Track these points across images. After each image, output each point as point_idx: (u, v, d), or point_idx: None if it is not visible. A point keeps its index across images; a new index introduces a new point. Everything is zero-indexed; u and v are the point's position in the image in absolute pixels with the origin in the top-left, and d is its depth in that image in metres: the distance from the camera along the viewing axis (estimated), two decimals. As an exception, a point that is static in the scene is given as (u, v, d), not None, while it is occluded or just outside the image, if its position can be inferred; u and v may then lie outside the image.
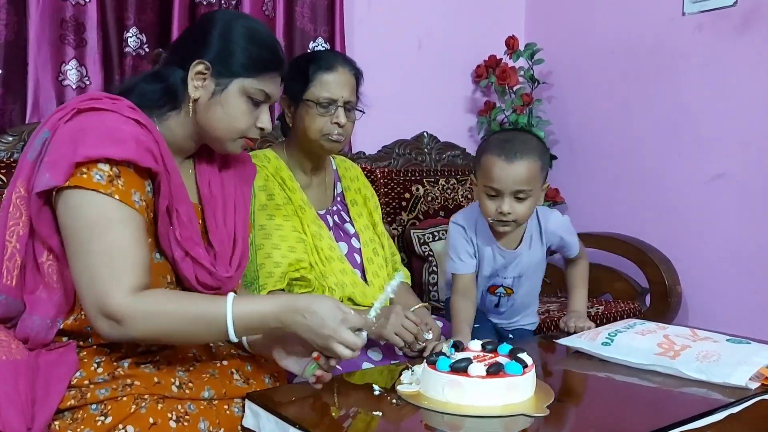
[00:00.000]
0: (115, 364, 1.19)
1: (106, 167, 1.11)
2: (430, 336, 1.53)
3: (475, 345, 1.30)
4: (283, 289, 1.59)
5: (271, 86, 1.30)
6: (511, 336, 1.79)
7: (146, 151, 1.15)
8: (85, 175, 1.10)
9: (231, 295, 1.16)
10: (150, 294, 1.14)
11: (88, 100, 1.17)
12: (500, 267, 1.69)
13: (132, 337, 1.12)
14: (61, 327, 1.18)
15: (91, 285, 1.10)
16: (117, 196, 1.11)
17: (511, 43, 2.90)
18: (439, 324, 1.67)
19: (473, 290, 1.68)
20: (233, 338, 1.15)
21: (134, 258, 1.12)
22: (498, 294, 1.73)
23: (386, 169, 2.60)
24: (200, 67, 1.25)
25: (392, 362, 1.52)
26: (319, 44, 2.52)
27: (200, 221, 1.32)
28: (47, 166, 1.11)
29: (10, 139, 1.87)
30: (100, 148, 1.10)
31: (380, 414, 1.12)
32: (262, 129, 1.32)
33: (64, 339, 1.20)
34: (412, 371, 1.25)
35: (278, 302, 1.17)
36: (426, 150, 2.80)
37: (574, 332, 1.62)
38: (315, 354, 1.20)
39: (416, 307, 1.67)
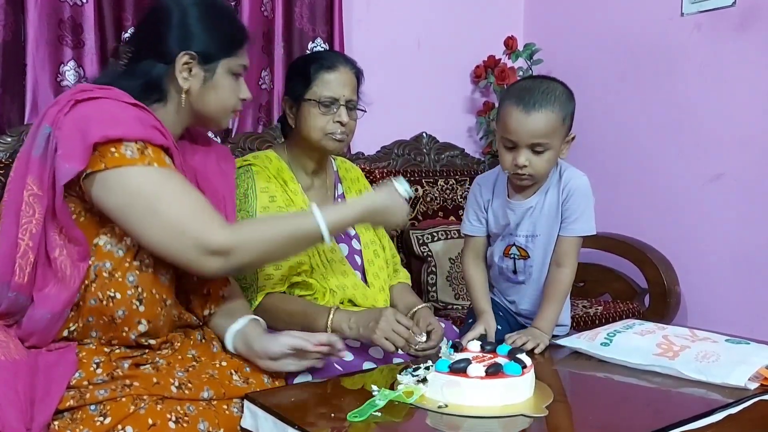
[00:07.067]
0: (114, 364, 1.19)
1: (132, 144, 1.14)
2: (423, 338, 1.50)
3: (474, 346, 1.30)
4: (284, 292, 1.59)
5: (246, 58, 1.38)
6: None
7: (153, 128, 1.19)
8: (117, 154, 1.13)
9: (315, 206, 1.28)
10: (242, 224, 1.33)
11: (80, 92, 1.19)
12: (512, 224, 1.62)
13: (241, 265, 1.24)
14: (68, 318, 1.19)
15: (182, 234, 1.14)
16: (155, 164, 1.16)
17: (509, 44, 2.91)
18: (442, 325, 1.67)
19: (482, 254, 1.69)
20: (328, 242, 1.29)
21: (203, 199, 1.21)
22: (512, 256, 1.65)
23: (385, 170, 2.59)
24: (185, 58, 1.28)
25: (394, 362, 1.52)
26: (318, 44, 2.52)
27: None
28: (63, 158, 1.12)
29: (9, 140, 1.86)
30: (110, 129, 1.13)
31: (379, 414, 1.12)
32: (244, 99, 1.39)
33: (65, 336, 1.20)
34: (412, 371, 1.25)
35: (357, 210, 1.36)
36: (425, 150, 2.80)
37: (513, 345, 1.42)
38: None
39: (419, 307, 1.66)
